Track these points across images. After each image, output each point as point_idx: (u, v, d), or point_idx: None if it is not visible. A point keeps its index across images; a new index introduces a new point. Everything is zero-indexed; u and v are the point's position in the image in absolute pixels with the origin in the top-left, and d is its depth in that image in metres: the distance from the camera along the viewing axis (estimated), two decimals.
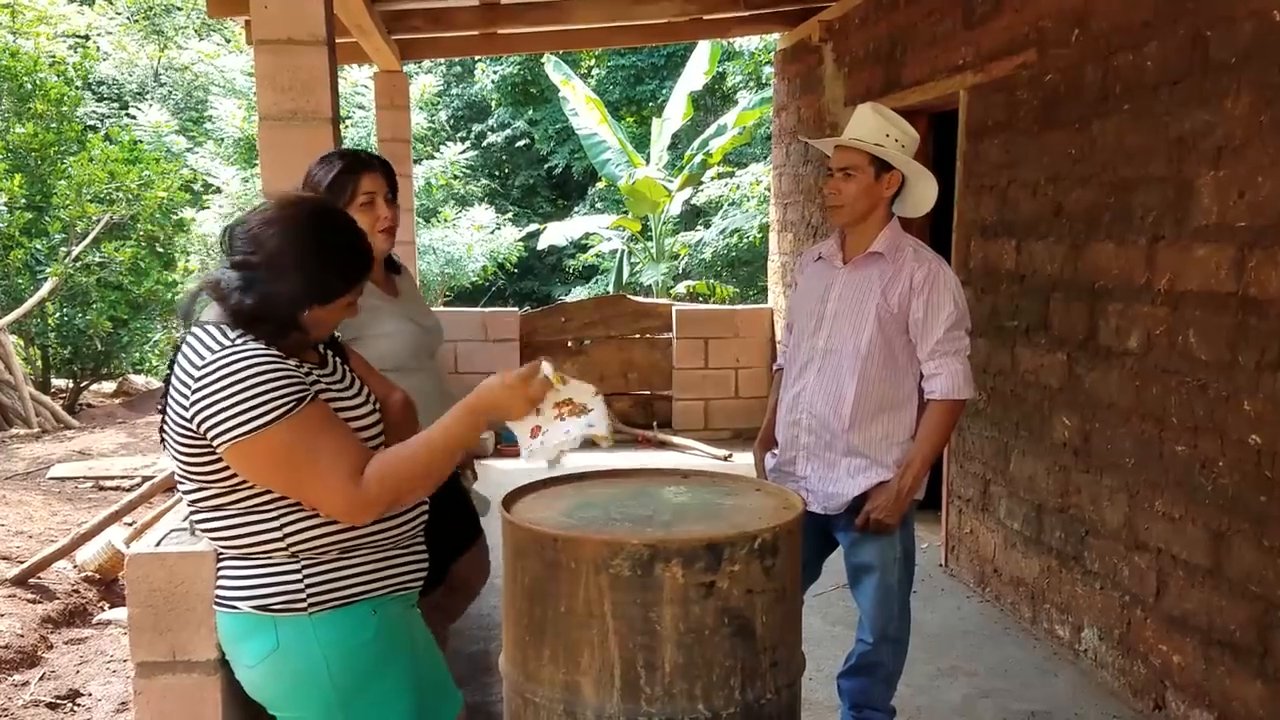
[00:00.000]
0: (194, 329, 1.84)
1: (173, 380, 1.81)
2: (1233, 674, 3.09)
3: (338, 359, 2.07)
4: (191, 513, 1.92)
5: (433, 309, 3.49)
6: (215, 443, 1.74)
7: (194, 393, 1.74)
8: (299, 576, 1.87)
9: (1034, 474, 4.22)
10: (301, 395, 1.77)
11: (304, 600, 1.87)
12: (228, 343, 1.77)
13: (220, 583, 1.94)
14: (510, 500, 2.19)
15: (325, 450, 1.78)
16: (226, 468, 1.79)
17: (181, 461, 1.82)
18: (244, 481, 1.81)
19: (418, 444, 1.86)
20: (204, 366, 1.74)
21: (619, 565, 1.89)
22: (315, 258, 1.84)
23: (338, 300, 1.90)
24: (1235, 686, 3.08)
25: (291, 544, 1.86)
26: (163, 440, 1.85)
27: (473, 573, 3.08)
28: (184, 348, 1.82)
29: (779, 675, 2.03)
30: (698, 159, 12.44)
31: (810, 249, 3.21)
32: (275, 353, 1.80)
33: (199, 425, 1.74)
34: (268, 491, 1.83)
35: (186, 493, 1.88)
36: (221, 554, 1.94)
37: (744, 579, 1.93)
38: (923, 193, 2.96)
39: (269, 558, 1.87)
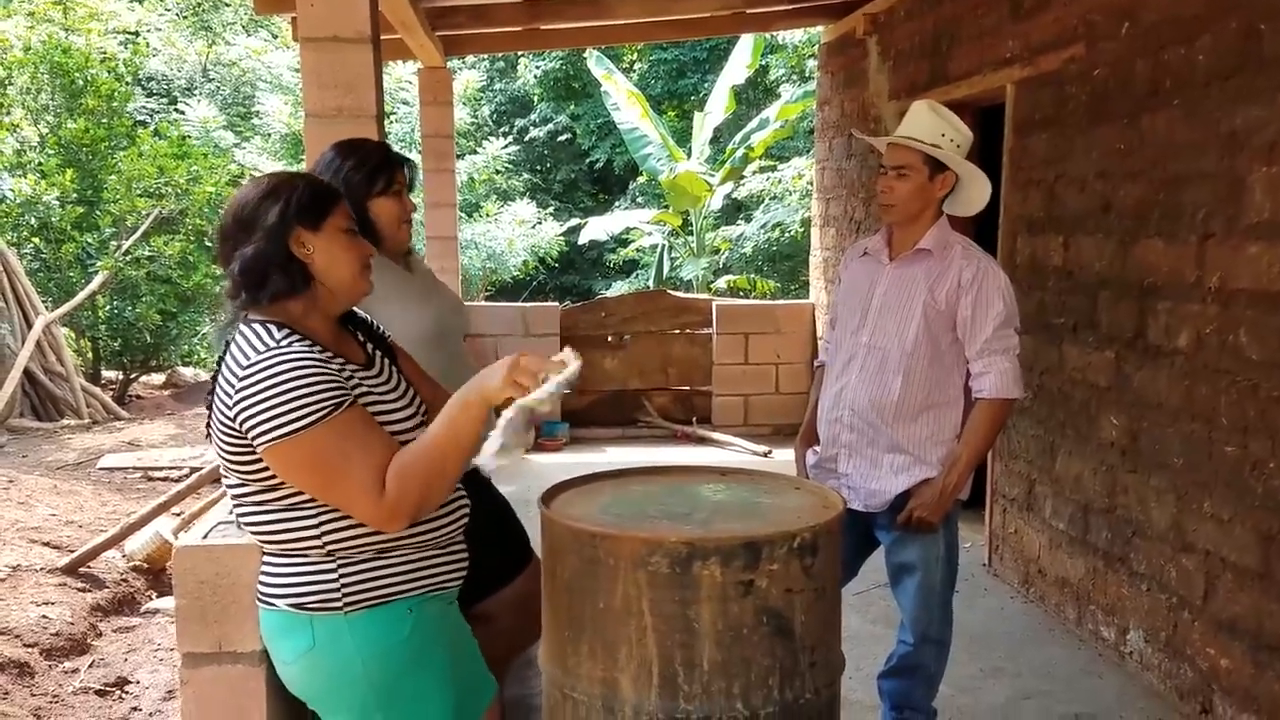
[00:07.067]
0: (241, 326, 1.86)
1: (220, 376, 1.83)
2: None
3: (386, 359, 2.07)
4: (234, 506, 1.95)
5: (474, 304, 3.45)
6: (255, 443, 1.76)
7: (237, 392, 1.76)
8: (335, 576, 1.88)
9: (1080, 473, 4.16)
10: (340, 400, 1.78)
11: (339, 599, 1.88)
12: (272, 343, 1.79)
13: (260, 579, 1.96)
14: (549, 496, 2.19)
15: (356, 457, 1.77)
16: (267, 466, 1.81)
17: (225, 457, 1.85)
18: (284, 480, 1.83)
19: (427, 442, 1.83)
20: (248, 366, 1.76)
21: (657, 563, 1.88)
22: (273, 190, 1.87)
23: (325, 221, 1.89)
24: None
25: (328, 543, 1.86)
26: (209, 434, 1.88)
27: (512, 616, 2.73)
28: (232, 345, 1.84)
29: (818, 675, 2.02)
30: (739, 153, 12.39)
31: (856, 244, 3.17)
32: (317, 355, 1.80)
33: (241, 424, 1.76)
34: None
35: (230, 486, 1.91)
36: (263, 549, 1.96)
37: (783, 578, 1.92)
38: (975, 193, 2.92)
39: (305, 556, 1.88)
